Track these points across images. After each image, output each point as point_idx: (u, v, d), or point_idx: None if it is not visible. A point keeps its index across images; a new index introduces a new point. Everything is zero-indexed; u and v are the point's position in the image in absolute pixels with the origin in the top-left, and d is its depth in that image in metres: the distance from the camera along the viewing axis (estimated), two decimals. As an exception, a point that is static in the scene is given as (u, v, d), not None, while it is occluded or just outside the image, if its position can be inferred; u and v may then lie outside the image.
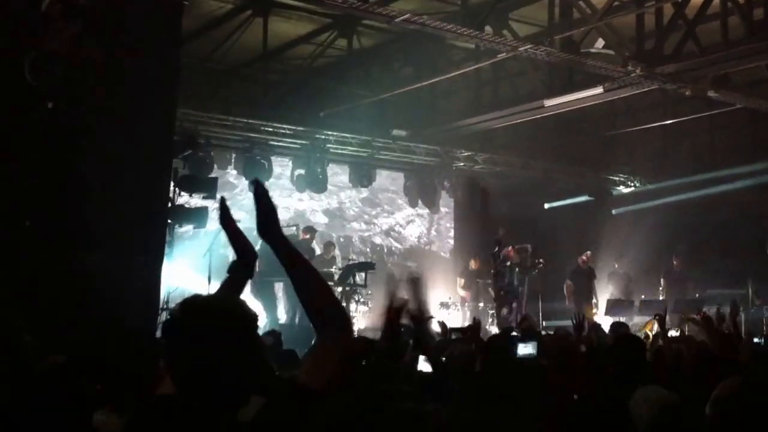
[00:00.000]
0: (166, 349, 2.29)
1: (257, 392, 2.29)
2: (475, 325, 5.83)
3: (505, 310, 14.95)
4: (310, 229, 15.31)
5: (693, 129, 15.62)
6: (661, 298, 15.92)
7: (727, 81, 12.40)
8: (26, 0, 8.43)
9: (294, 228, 15.37)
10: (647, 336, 9.13)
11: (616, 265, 16.90)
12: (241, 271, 2.80)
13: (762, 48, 10.72)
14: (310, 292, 2.44)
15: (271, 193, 2.45)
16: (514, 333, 8.42)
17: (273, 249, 2.44)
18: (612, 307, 14.93)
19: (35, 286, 7.86)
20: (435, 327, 7.70)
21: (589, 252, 16.35)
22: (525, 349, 3.90)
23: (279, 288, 13.96)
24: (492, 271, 15.48)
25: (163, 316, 10.43)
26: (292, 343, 8.11)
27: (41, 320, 7.24)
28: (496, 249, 15.24)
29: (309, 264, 2.52)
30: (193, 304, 2.32)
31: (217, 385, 2.19)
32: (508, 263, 15.20)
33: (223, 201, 2.70)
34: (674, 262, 16.61)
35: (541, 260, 16.13)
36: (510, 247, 15.40)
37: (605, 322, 12.33)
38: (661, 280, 16.62)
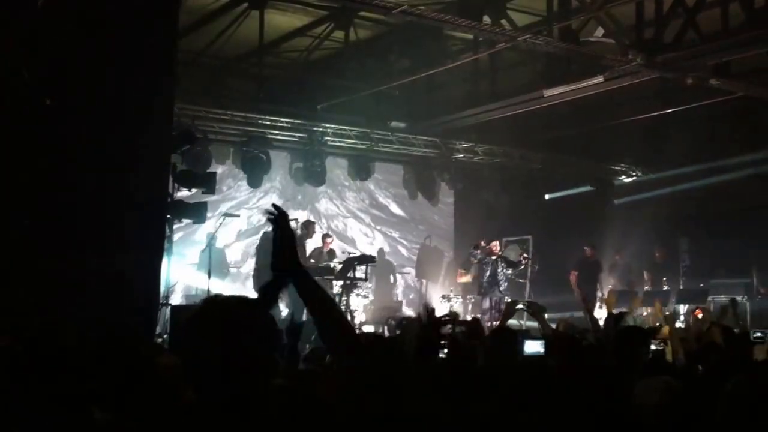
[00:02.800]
0: (184, 344, 2.33)
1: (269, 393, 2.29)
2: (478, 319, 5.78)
3: (485, 304, 14.97)
4: (309, 225, 15.27)
5: (694, 118, 15.52)
6: (646, 288, 15.95)
7: (728, 69, 12.34)
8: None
9: (294, 222, 15.32)
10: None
11: (617, 257, 16.85)
12: (270, 296, 2.82)
13: (763, 35, 10.64)
14: (324, 324, 2.51)
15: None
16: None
17: (292, 280, 2.51)
18: (617, 298, 14.87)
19: (34, 283, 7.81)
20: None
21: (587, 247, 16.29)
22: (532, 347, 3.84)
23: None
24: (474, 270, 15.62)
25: (163, 311, 10.41)
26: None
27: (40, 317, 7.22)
28: (473, 251, 15.44)
29: (326, 295, 2.58)
30: (214, 302, 2.35)
31: (229, 384, 2.19)
32: (494, 257, 15.19)
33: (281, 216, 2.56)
34: (656, 254, 16.59)
35: (525, 255, 16.08)
36: (494, 242, 15.41)
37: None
38: (644, 273, 16.61)
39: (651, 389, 4.17)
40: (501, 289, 15.10)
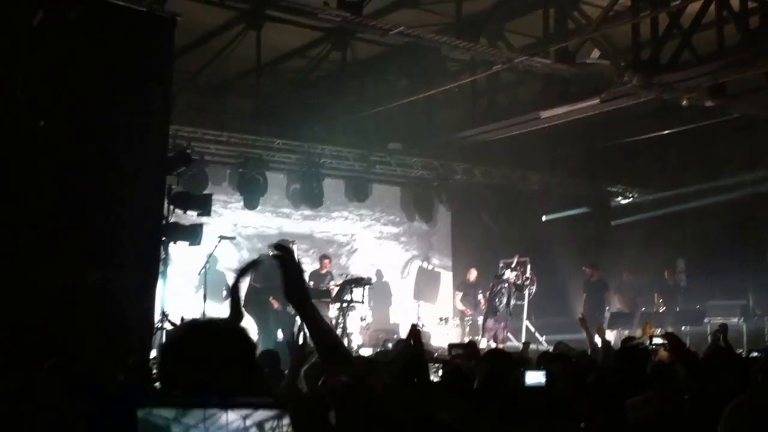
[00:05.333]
0: (164, 366, 2.28)
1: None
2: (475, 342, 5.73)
3: (490, 325, 14.91)
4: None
5: (692, 138, 15.51)
6: (643, 309, 15.79)
7: (724, 89, 12.35)
8: (18, 14, 8.34)
9: (293, 244, 15.23)
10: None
11: (624, 278, 16.69)
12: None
13: (758, 55, 10.67)
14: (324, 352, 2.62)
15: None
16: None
17: (297, 311, 2.70)
18: (614, 320, 14.78)
19: (31, 304, 7.76)
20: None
21: (585, 267, 16.14)
22: (533, 378, 3.80)
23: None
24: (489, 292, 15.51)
25: (159, 334, 10.32)
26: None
27: (37, 337, 7.17)
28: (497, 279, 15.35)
29: (328, 328, 2.73)
30: (194, 325, 2.36)
31: None
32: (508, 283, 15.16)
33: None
34: (665, 276, 16.49)
35: (527, 276, 16.01)
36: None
37: (610, 335, 12.14)
38: (655, 295, 16.47)
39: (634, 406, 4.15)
40: (510, 311, 15.16)
